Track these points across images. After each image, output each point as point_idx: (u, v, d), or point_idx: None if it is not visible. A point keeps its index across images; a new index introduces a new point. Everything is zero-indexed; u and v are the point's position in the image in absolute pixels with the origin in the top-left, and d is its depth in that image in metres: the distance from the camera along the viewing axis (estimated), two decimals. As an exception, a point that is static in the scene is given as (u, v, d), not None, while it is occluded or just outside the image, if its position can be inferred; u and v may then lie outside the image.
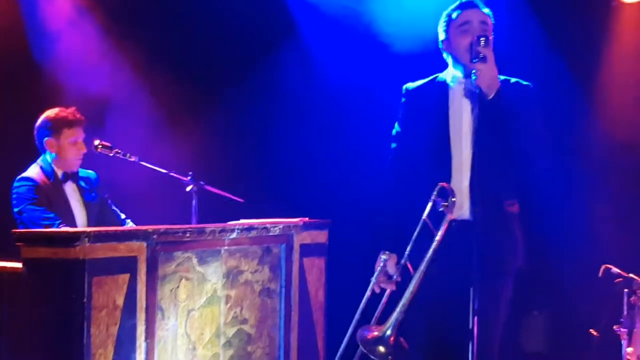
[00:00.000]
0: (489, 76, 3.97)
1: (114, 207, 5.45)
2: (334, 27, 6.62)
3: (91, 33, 6.65)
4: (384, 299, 4.16)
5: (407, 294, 3.99)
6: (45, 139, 5.21)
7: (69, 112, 5.25)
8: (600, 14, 6.86)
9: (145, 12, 6.74)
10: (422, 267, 4.00)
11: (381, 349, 3.93)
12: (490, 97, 3.96)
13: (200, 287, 4.62)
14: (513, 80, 4.30)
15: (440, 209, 4.02)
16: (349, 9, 6.57)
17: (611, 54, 6.70)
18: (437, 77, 4.40)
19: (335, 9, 6.60)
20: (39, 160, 5.25)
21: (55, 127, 5.19)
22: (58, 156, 5.21)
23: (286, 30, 6.72)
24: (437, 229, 4.01)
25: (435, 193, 4.05)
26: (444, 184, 4.06)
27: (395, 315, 3.97)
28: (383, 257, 4.17)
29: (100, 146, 5.29)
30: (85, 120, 5.28)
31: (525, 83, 4.32)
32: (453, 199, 4.02)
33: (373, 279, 4.17)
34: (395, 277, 4.15)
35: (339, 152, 5.99)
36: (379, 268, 4.16)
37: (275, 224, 5.15)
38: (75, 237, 3.95)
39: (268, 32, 6.73)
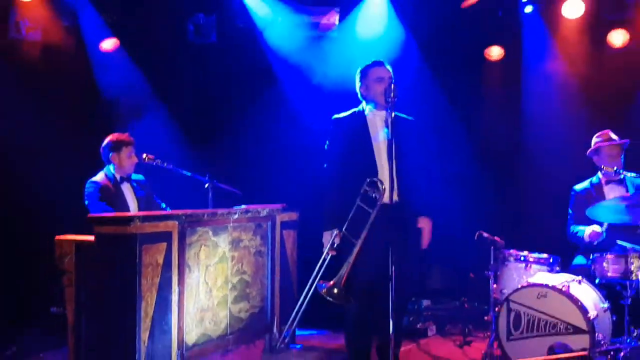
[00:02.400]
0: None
1: (157, 200, 5.41)
2: (296, 74, 6.61)
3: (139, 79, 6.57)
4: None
5: (351, 256, 4.00)
6: (110, 154, 5.14)
7: (125, 136, 5.19)
8: (476, 68, 6.86)
9: (176, 62, 6.69)
10: (362, 236, 4.01)
11: (335, 290, 3.93)
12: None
13: (214, 250, 4.62)
14: (402, 115, 4.34)
15: (373, 195, 4.03)
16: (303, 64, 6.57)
17: (482, 95, 6.74)
18: (354, 110, 4.39)
19: (295, 63, 6.61)
20: (105, 169, 5.18)
21: (117, 146, 5.13)
22: (118, 166, 5.15)
23: (268, 77, 6.68)
24: (371, 210, 4.02)
25: (366, 185, 4.07)
26: (375, 178, 4.07)
27: (344, 270, 3.98)
28: (335, 232, 4.16)
29: (146, 158, 5.25)
30: (134, 140, 5.25)
31: (409, 117, 4.34)
32: (383, 187, 4.04)
33: (326, 249, 4.18)
34: (335, 245, 4.14)
35: (303, 160, 5.99)
36: (330, 241, 4.16)
37: (264, 207, 5.14)
38: (130, 219, 3.97)
39: (256, 77, 6.69)
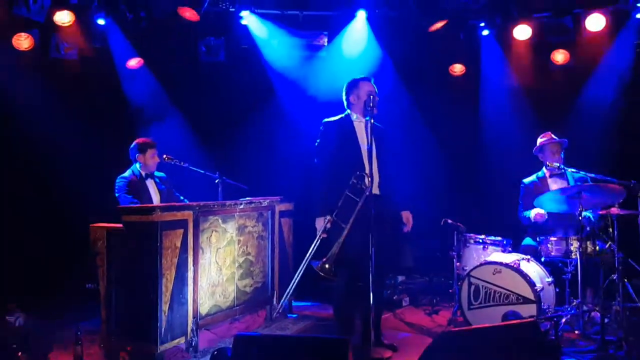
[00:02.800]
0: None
1: (176, 193, 5.38)
2: (291, 87, 6.58)
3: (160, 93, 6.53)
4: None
5: (341, 237, 4.00)
6: (137, 154, 5.12)
7: (149, 140, 5.17)
8: (441, 82, 6.83)
9: (190, 77, 6.65)
10: (351, 220, 3.99)
11: (327, 266, 3.91)
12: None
13: (224, 235, 4.62)
14: (376, 124, 4.28)
15: (360, 186, 4.01)
16: (297, 79, 6.54)
17: (447, 104, 6.72)
18: (342, 116, 4.37)
19: (291, 78, 6.57)
20: (132, 167, 5.15)
21: (143, 148, 5.10)
22: (143, 165, 5.13)
23: (268, 90, 6.65)
24: (358, 199, 4.01)
25: (354, 177, 4.05)
26: (362, 173, 4.05)
27: (334, 249, 3.98)
28: (326, 218, 4.15)
29: (166, 158, 5.22)
30: (157, 143, 5.22)
31: (379, 125, 4.30)
32: (369, 179, 4.02)
33: (319, 232, 4.17)
34: (326, 229, 4.13)
35: (298, 160, 5.96)
36: (321, 225, 4.16)
37: (265, 199, 5.13)
38: (152, 209, 3.96)
39: (258, 90, 6.64)
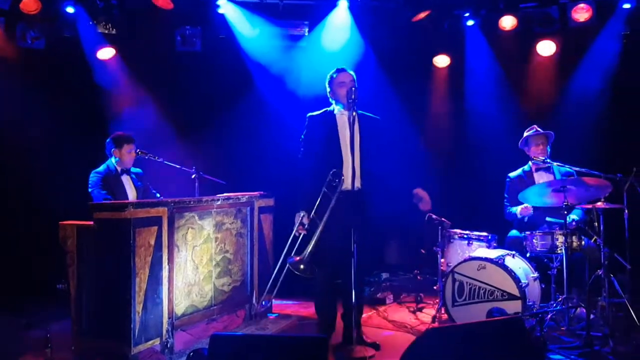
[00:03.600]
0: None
1: (153, 190, 5.34)
2: (271, 79, 6.55)
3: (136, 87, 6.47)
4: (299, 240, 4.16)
5: (316, 235, 4.01)
6: (113, 149, 5.08)
7: (127, 134, 5.12)
8: (425, 74, 6.88)
9: (165, 68, 6.59)
10: (325, 217, 4.02)
11: (302, 266, 3.93)
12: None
13: (200, 233, 4.58)
14: (368, 114, 4.33)
15: (334, 184, 4.04)
16: (277, 70, 6.53)
17: (431, 97, 6.75)
18: (326, 110, 4.38)
19: (270, 69, 6.55)
20: (108, 161, 5.11)
21: (119, 143, 5.06)
22: (119, 160, 5.09)
23: (246, 81, 6.61)
24: (333, 196, 4.03)
25: (330, 174, 4.08)
26: (335, 170, 4.08)
27: (310, 247, 3.99)
28: (300, 214, 4.18)
29: (140, 152, 5.17)
30: (135, 138, 5.16)
31: (376, 116, 4.35)
32: (342, 177, 4.04)
33: (295, 228, 4.18)
34: (306, 225, 4.15)
35: (279, 154, 5.95)
36: (298, 221, 4.17)
37: (244, 195, 5.10)
38: (125, 206, 3.93)
39: (236, 82, 6.60)
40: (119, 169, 5.08)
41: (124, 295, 3.86)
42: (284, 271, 4.40)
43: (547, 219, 4.99)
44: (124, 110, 6.28)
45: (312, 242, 3.95)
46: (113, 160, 5.09)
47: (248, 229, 5.12)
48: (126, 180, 5.14)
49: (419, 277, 6.24)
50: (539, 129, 5.27)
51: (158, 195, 5.31)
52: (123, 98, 6.37)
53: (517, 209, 5.12)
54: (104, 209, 4.00)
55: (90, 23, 6.14)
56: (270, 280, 4.79)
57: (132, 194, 5.13)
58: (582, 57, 6.33)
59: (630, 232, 4.81)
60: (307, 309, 5.46)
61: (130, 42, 6.40)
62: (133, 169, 5.22)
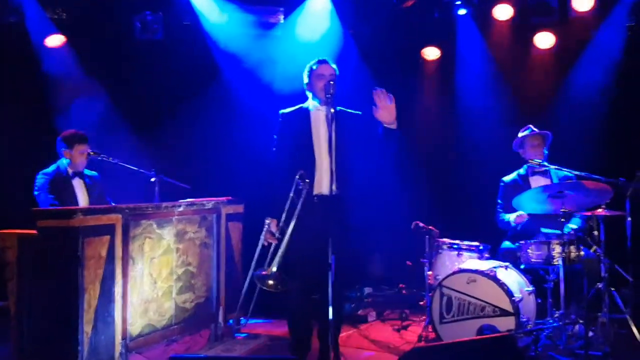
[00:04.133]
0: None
1: (108, 198, 5.30)
2: (241, 71, 6.55)
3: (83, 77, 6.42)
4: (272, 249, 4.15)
5: (282, 245, 4.00)
6: (63, 149, 5.05)
7: (79, 133, 5.08)
8: (413, 68, 6.93)
9: (123, 58, 6.56)
10: (291, 226, 4.01)
11: (270, 282, 3.92)
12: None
13: (159, 243, 4.55)
14: (348, 110, 4.34)
15: (300, 187, 4.05)
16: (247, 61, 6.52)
17: (419, 93, 6.79)
18: (301, 106, 4.39)
19: (240, 60, 6.55)
20: (58, 162, 5.08)
21: (70, 143, 5.02)
22: (70, 161, 5.05)
23: (214, 74, 6.60)
24: (299, 200, 4.03)
25: (297, 178, 4.08)
26: (302, 171, 4.08)
27: (277, 258, 3.98)
28: (267, 221, 4.17)
29: (92, 153, 5.13)
30: (88, 138, 5.11)
31: (357, 112, 4.35)
32: (307, 180, 4.06)
33: (262, 237, 4.17)
34: (276, 234, 4.14)
35: (250, 155, 5.94)
36: (265, 228, 4.16)
37: (209, 200, 5.07)
38: (72, 212, 3.89)
39: (203, 74, 6.59)
40: (70, 171, 5.03)
41: (71, 313, 3.81)
42: (257, 289, 4.41)
43: (542, 229, 5.03)
44: (74, 105, 6.23)
45: (279, 253, 3.94)
46: (64, 160, 5.04)
47: (214, 238, 5.09)
48: (78, 184, 5.10)
49: (404, 292, 6.26)
50: (535, 128, 5.32)
51: (113, 204, 5.26)
52: (74, 91, 6.33)
53: (512, 217, 5.16)
54: (49, 216, 3.95)
55: (38, 8, 6.09)
56: (242, 296, 4.78)
57: (83, 200, 5.09)
58: (583, 50, 6.42)
59: (633, 242, 4.89)
60: (280, 328, 5.44)
61: (83, 29, 6.37)
62: (87, 172, 5.18)
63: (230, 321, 5.18)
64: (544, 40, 6.51)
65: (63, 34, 6.35)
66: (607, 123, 6.19)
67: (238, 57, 6.51)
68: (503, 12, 6.44)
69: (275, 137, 4.37)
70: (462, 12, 6.53)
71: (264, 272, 3.95)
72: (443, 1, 6.54)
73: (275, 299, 4.92)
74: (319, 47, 6.32)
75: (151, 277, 4.46)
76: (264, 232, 4.13)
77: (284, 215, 4.07)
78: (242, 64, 6.51)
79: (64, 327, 3.82)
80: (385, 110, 3.97)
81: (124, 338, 4.14)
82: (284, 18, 6.55)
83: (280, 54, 6.46)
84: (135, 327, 4.30)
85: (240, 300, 4.86)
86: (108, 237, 4.04)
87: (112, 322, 4.06)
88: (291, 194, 4.06)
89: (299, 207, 4.00)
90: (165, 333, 4.57)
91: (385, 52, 6.70)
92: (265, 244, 4.15)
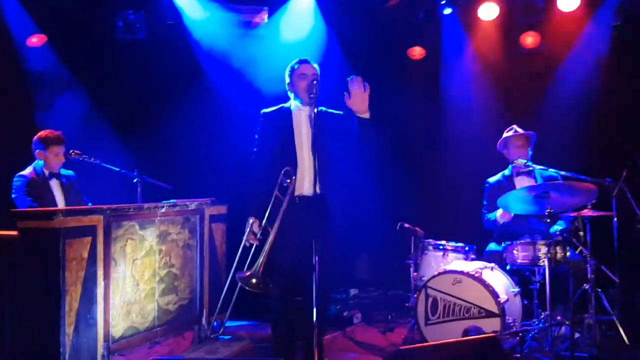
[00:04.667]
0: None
1: (85, 198, 5.30)
2: (224, 71, 6.57)
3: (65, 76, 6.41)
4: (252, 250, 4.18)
5: (266, 245, 4.02)
6: (37, 150, 5.05)
7: (55, 134, 5.06)
8: (398, 68, 6.98)
9: (105, 58, 6.57)
10: (276, 225, 4.04)
11: (254, 281, 3.95)
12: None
13: (141, 244, 4.57)
14: (330, 110, 4.37)
15: (285, 185, 4.08)
16: (231, 61, 6.55)
17: (404, 93, 6.82)
18: (282, 106, 4.42)
19: (223, 60, 6.58)
20: (34, 163, 5.08)
21: (45, 144, 5.02)
22: (45, 163, 5.05)
23: (197, 74, 6.62)
24: (285, 198, 4.06)
25: (282, 175, 4.11)
26: (288, 168, 4.12)
27: (260, 258, 4.00)
28: (250, 220, 4.20)
29: (73, 153, 5.13)
30: (65, 139, 5.10)
31: (338, 112, 4.38)
32: (293, 176, 4.09)
33: (244, 237, 4.20)
34: (258, 234, 4.17)
35: (233, 155, 5.94)
36: (247, 229, 4.19)
37: (192, 201, 5.10)
38: (53, 214, 3.91)
39: (186, 74, 6.61)
40: (46, 172, 5.04)
41: (52, 315, 3.82)
42: (237, 289, 4.42)
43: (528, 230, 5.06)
44: (55, 105, 6.22)
45: (263, 253, 3.97)
46: (40, 162, 5.04)
47: (197, 240, 5.11)
48: (55, 185, 5.11)
49: (389, 293, 6.31)
50: (518, 129, 5.38)
51: (90, 204, 5.26)
52: (55, 90, 6.32)
53: (496, 215, 5.21)
54: (30, 217, 3.97)
55: (19, 7, 6.08)
56: (222, 298, 4.79)
57: (61, 201, 5.09)
58: (568, 50, 6.49)
59: (620, 243, 4.96)
60: (264, 330, 5.44)
61: (65, 28, 6.35)
62: (63, 171, 5.19)
63: (214, 323, 5.20)
64: (530, 40, 6.57)
65: (44, 33, 6.33)
66: (593, 123, 6.26)
67: (222, 56, 6.52)
68: (489, 12, 6.51)
69: (256, 137, 4.40)
70: (447, 11, 6.58)
71: (247, 273, 3.97)
72: (428, 0, 6.59)
73: (259, 300, 4.94)
74: (303, 47, 6.36)
75: (133, 278, 4.48)
76: (246, 233, 4.15)
77: (266, 215, 4.09)
78: (226, 63, 6.53)
79: (46, 329, 3.84)
80: (358, 97, 3.99)
81: (106, 340, 4.16)
82: (268, 17, 6.57)
83: (264, 54, 6.49)
84: (118, 329, 4.32)
85: (220, 301, 4.87)
86: (90, 238, 4.07)
87: (94, 324, 4.08)
88: (275, 192, 4.08)
89: (284, 205, 4.02)
90: (148, 335, 4.59)
91: (370, 52, 6.75)
92: (247, 244, 4.17)
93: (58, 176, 5.12)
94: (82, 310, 3.99)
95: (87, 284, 4.03)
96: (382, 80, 6.59)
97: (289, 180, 4.07)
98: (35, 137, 5.06)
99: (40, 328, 3.86)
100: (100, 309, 4.13)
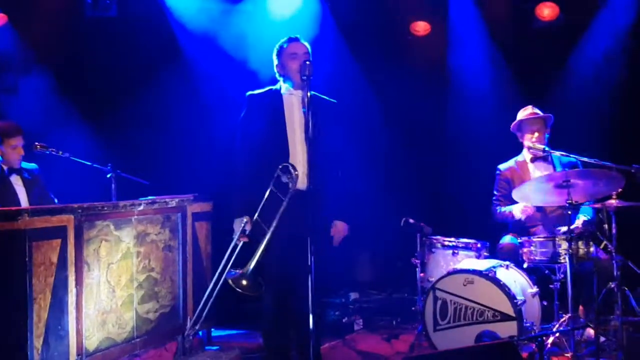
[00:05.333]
0: None
1: (51, 195, 5.30)
2: (206, 52, 6.57)
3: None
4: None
5: (262, 245, 4.04)
6: None
7: (10, 125, 5.05)
8: (399, 45, 6.98)
9: (71, 38, 6.57)
10: (274, 224, 4.06)
11: (244, 282, 3.97)
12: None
13: (117, 246, 4.56)
14: (323, 96, 4.38)
15: (285, 181, 4.08)
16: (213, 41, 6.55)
17: (406, 73, 6.83)
18: (271, 88, 4.42)
19: (204, 39, 6.57)
20: None
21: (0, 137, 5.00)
22: (3, 158, 5.04)
23: (175, 55, 6.63)
24: (283, 197, 4.07)
25: (279, 170, 4.12)
26: (287, 163, 4.12)
27: (256, 257, 4.02)
28: (244, 219, 4.20)
29: (38, 146, 5.12)
30: (23, 130, 5.07)
31: (332, 100, 4.40)
32: (296, 173, 4.09)
33: (236, 236, 4.21)
34: (247, 232, 4.19)
35: (217, 146, 5.95)
36: (239, 228, 4.19)
37: (173, 198, 5.08)
38: (17, 213, 3.89)
39: (162, 55, 6.62)
40: (4, 167, 5.03)
41: (19, 327, 3.81)
42: (222, 290, 4.43)
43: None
44: (16, 92, 6.21)
45: (259, 252, 3.99)
46: None
47: (179, 240, 5.11)
48: (17, 180, 5.11)
49: (394, 297, 6.32)
50: (535, 109, 5.38)
51: (56, 201, 5.26)
52: (16, 76, 6.30)
53: (516, 210, 5.21)
54: (-9, 218, 3.95)
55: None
56: (208, 304, 4.81)
57: (24, 198, 5.09)
58: (589, 22, 6.50)
59: (649, 236, 4.98)
60: (254, 340, 5.49)
61: (26, 7, 6.33)
62: (25, 165, 5.18)
63: (200, 333, 5.21)
64: (547, 11, 6.58)
65: (3, 12, 6.31)
66: (618, 102, 6.29)
67: (203, 35, 6.52)
68: (501, -20, 6.53)
69: (240, 122, 4.39)
70: (455, -19, 6.60)
71: (239, 272, 3.99)
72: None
73: (249, 306, 4.97)
74: (292, 23, 6.35)
75: (109, 284, 4.47)
76: (237, 232, 4.15)
77: (258, 210, 4.11)
78: (208, 43, 6.52)
79: (11, 343, 3.83)
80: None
81: (79, 354, 4.15)
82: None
83: (250, 31, 6.47)
84: (92, 341, 4.31)
85: (206, 308, 4.88)
86: (59, 240, 4.05)
87: (65, 336, 4.07)
88: (271, 188, 4.10)
89: (285, 203, 4.05)
90: (126, 347, 4.59)
91: (368, 28, 6.74)
92: (239, 243, 4.18)
93: (19, 171, 5.12)
94: (52, 321, 3.98)
95: (57, 291, 4.01)
96: (382, 59, 6.66)
97: (289, 177, 4.06)
98: None
99: (5, 341, 3.85)
100: (72, 318, 4.12)
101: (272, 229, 4.03)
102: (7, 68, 6.34)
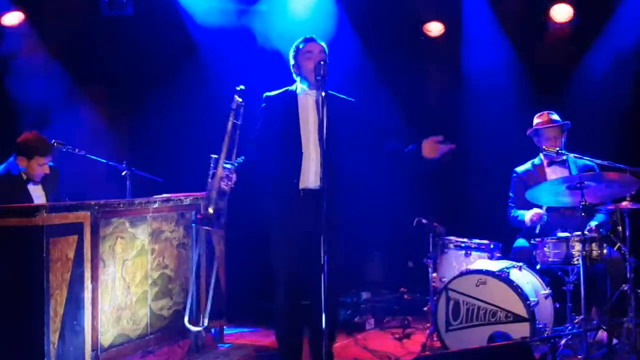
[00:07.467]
0: None
1: (65, 197, 5.30)
2: (222, 51, 6.59)
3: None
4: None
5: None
6: (19, 156, 5.00)
7: (44, 144, 4.99)
8: (414, 46, 6.98)
9: (88, 38, 6.61)
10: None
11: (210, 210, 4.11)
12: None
13: (132, 243, 4.59)
14: (340, 95, 4.40)
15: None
16: (229, 40, 6.57)
17: (421, 73, 6.82)
18: (287, 89, 4.44)
19: (221, 39, 6.59)
20: (10, 160, 5.04)
21: (28, 152, 4.96)
22: (27, 170, 5.01)
23: (191, 54, 6.65)
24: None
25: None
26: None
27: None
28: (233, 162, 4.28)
29: (56, 143, 5.16)
30: (53, 147, 5.06)
31: (349, 99, 4.42)
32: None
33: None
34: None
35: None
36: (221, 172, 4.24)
37: (188, 196, 5.11)
38: (36, 209, 3.92)
39: (179, 54, 6.65)
40: (24, 176, 5.03)
41: (36, 322, 3.85)
42: (235, 288, 4.46)
43: (559, 234, 5.04)
44: (34, 89, 6.25)
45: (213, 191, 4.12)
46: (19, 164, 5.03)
47: (193, 238, 5.13)
48: (34, 191, 5.08)
49: (406, 297, 6.33)
50: (552, 115, 5.37)
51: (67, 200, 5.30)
52: (34, 75, 6.34)
53: (526, 217, 5.21)
54: (9, 214, 3.97)
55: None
56: (222, 302, 4.83)
57: (41, 199, 5.10)
58: (606, 23, 6.47)
59: (662, 238, 4.96)
60: (267, 338, 5.51)
61: (44, 6, 6.38)
62: None
63: (213, 330, 5.24)
64: (562, 12, 6.55)
65: (22, 10, 6.36)
66: (633, 104, 6.26)
67: (218, 34, 6.53)
68: (515, -19, 6.52)
69: (258, 122, 4.42)
70: (469, -18, 6.59)
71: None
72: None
73: (262, 304, 4.98)
74: (308, 25, 6.36)
75: (124, 281, 4.51)
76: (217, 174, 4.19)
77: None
78: (224, 41, 6.54)
79: (28, 337, 3.86)
80: (433, 145, 4.41)
81: (94, 349, 4.19)
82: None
83: (265, 31, 6.49)
84: (107, 336, 4.35)
85: (219, 305, 4.91)
86: (76, 237, 4.09)
87: (81, 332, 4.11)
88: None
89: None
90: (140, 343, 4.62)
91: (382, 29, 6.74)
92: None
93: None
94: (68, 316, 4.01)
95: (73, 286, 4.05)
96: (396, 59, 6.66)
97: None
98: (20, 140, 4.99)
99: (22, 336, 3.88)
100: (87, 314, 4.15)
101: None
102: (23, 68, 6.37)
